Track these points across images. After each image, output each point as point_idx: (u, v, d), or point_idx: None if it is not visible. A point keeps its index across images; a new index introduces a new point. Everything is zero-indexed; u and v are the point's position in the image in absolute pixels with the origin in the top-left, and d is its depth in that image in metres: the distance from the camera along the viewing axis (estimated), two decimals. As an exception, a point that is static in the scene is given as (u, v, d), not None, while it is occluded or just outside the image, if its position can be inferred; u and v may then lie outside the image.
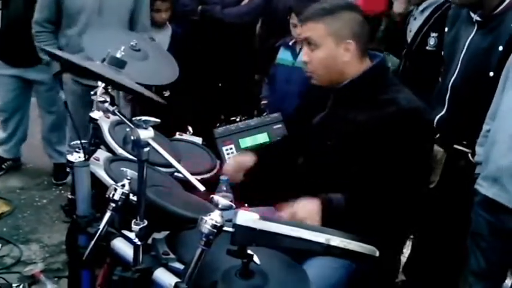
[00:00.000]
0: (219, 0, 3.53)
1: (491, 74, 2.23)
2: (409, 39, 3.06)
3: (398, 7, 3.30)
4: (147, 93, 1.59)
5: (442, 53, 2.57)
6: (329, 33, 1.85)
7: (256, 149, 2.32)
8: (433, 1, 2.96)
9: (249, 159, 2.16)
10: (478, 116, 2.26)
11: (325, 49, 1.86)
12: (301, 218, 1.75)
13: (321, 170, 1.92)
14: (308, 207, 1.77)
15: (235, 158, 2.28)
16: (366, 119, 1.81)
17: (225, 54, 3.55)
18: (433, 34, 2.86)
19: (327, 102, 1.98)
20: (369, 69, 1.90)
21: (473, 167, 2.29)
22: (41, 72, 3.59)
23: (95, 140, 1.96)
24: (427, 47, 2.89)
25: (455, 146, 2.42)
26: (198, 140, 2.39)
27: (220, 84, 3.76)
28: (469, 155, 2.35)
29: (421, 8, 3.00)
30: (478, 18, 2.28)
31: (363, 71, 1.89)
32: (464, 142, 2.38)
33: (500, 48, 2.20)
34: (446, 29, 2.54)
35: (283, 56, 3.43)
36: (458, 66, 2.36)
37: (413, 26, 3.05)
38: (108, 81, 1.58)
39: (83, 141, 1.78)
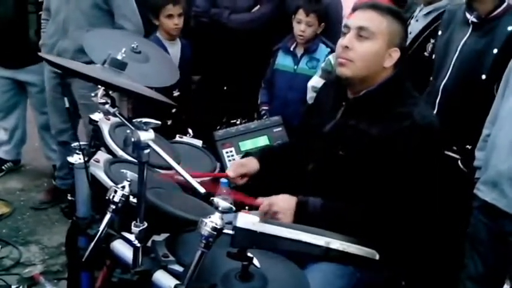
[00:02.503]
0: (230, 5, 3.51)
1: (484, 76, 2.23)
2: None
3: None
4: (155, 95, 1.58)
5: (433, 56, 2.54)
6: (388, 32, 1.83)
7: (259, 154, 2.25)
8: (439, 6, 2.76)
9: (254, 165, 2.15)
10: (468, 120, 2.25)
11: (377, 45, 1.82)
12: (276, 210, 1.80)
13: (331, 178, 1.90)
14: (285, 204, 1.82)
15: (240, 162, 2.25)
16: (379, 132, 1.79)
17: (231, 57, 3.53)
18: (433, 40, 2.67)
19: (336, 110, 1.96)
20: (385, 82, 1.86)
21: (463, 174, 2.27)
22: (32, 73, 3.61)
23: (95, 142, 1.96)
24: (425, 53, 2.73)
25: (445, 152, 2.34)
26: (198, 142, 2.38)
27: (225, 88, 3.74)
28: (459, 161, 2.32)
29: (425, 11, 2.80)
30: (474, 20, 2.29)
31: (379, 83, 1.86)
32: (454, 148, 2.35)
33: (495, 50, 2.20)
34: (439, 33, 2.53)
35: (284, 61, 3.33)
36: (451, 68, 2.35)
37: (414, 28, 2.85)
38: (113, 87, 1.56)
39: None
